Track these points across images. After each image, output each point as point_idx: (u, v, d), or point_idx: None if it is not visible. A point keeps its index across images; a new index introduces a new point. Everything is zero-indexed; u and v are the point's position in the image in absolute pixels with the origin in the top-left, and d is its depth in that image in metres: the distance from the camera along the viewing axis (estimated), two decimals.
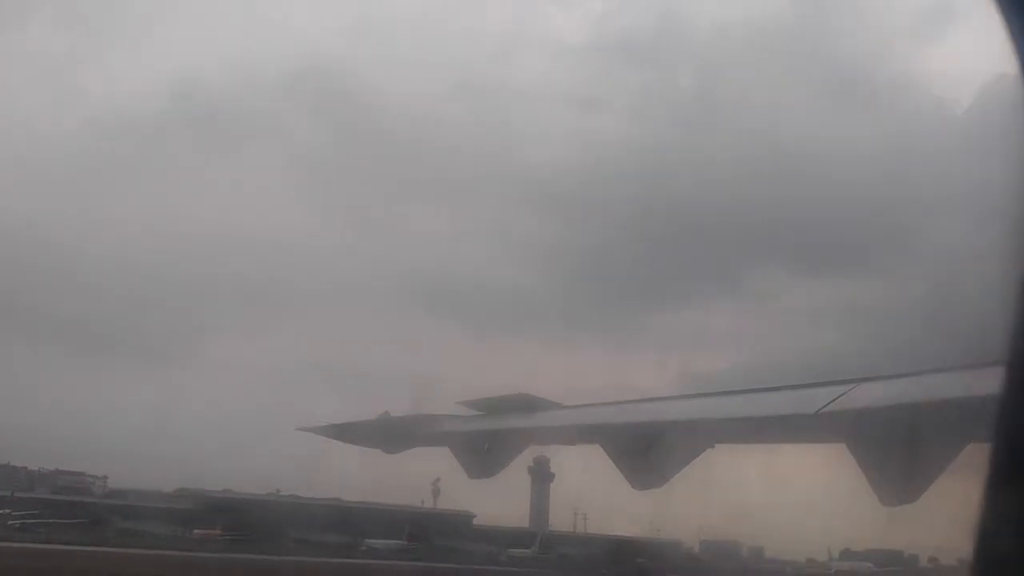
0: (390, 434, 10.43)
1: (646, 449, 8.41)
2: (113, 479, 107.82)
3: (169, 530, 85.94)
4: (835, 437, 7.69)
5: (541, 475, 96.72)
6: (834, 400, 7.46)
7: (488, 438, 9.58)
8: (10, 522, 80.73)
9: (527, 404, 9.61)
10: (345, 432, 11.10)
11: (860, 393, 7.62)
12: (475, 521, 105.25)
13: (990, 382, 2.57)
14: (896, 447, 7.69)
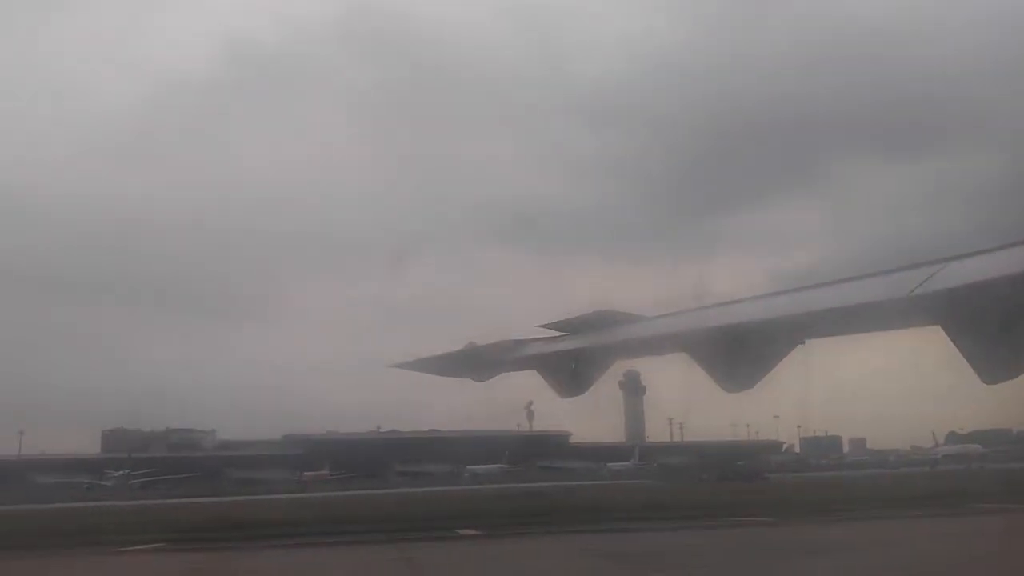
0: (477, 362, 10.48)
1: (734, 351, 8.25)
2: (221, 432, 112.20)
3: (280, 475, 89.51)
4: (929, 319, 7.40)
5: (632, 388, 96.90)
6: (925, 281, 7.16)
7: (574, 356, 9.55)
8: (131, 482, 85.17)
9: (609, 319, 9.50)
10: (433, 365, 11.19)
11: (951, 272, 7.29)
12: (571, 439, 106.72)
13: None
14: (993, 323, 7.37)
